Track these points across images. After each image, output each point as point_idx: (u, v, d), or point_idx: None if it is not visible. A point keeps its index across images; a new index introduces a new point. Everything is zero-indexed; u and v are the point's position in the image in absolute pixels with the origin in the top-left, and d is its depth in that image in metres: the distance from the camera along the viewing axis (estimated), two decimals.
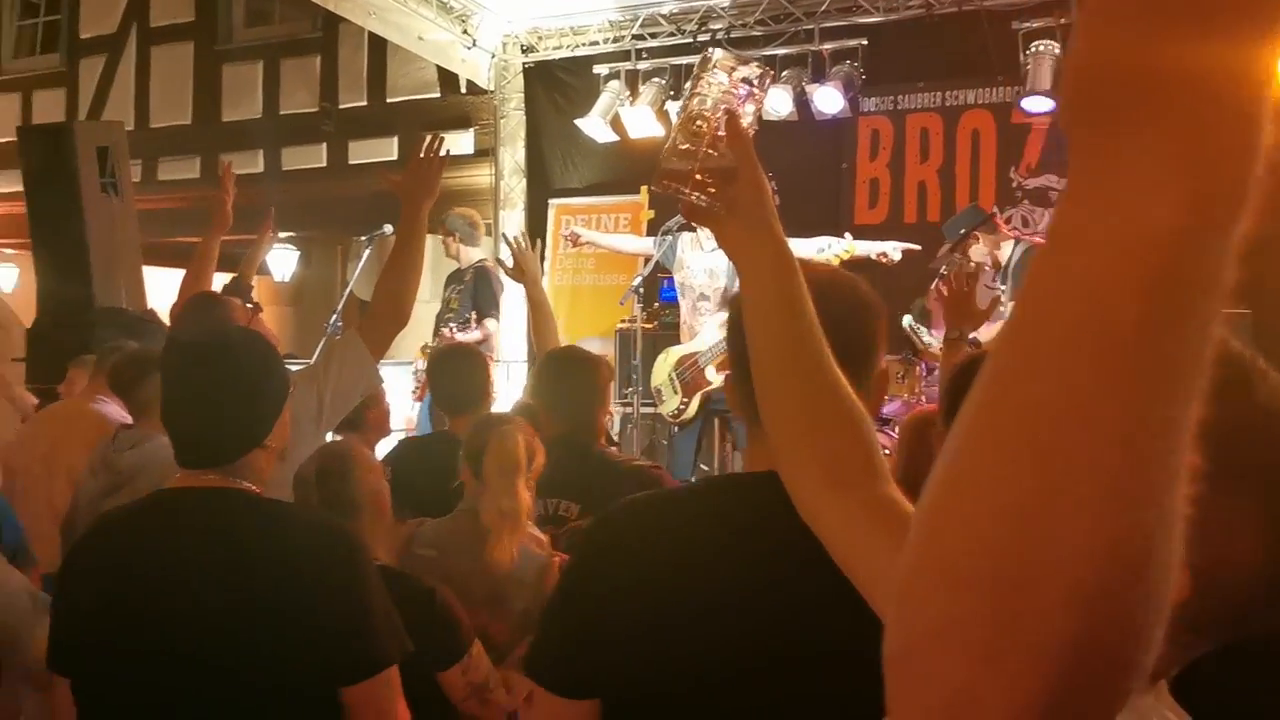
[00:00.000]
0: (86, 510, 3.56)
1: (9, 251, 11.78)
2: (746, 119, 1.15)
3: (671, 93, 7.29)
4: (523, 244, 3.71)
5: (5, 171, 10.90)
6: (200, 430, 1.88)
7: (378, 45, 9.29)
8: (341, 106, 9.75)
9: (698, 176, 1.13)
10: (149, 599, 1.78)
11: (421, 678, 2.02)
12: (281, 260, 10.91)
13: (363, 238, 6.15)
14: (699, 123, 1.14)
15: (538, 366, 3.10)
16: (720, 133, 1.12)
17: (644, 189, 7.82)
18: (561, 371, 2.97)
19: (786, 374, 1.13)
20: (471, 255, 6.40)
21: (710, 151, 1.12)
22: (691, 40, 7.46)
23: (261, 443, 1.91)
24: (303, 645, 1.75)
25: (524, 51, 8.34)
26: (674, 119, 1.21)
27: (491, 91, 8.54)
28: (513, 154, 8.52)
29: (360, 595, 1.81)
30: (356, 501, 2.27)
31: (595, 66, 7.85)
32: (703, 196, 1.13)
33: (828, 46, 7.05)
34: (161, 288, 6.92)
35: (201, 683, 1.76)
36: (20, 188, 10.96)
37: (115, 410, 4.19)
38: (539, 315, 3.60)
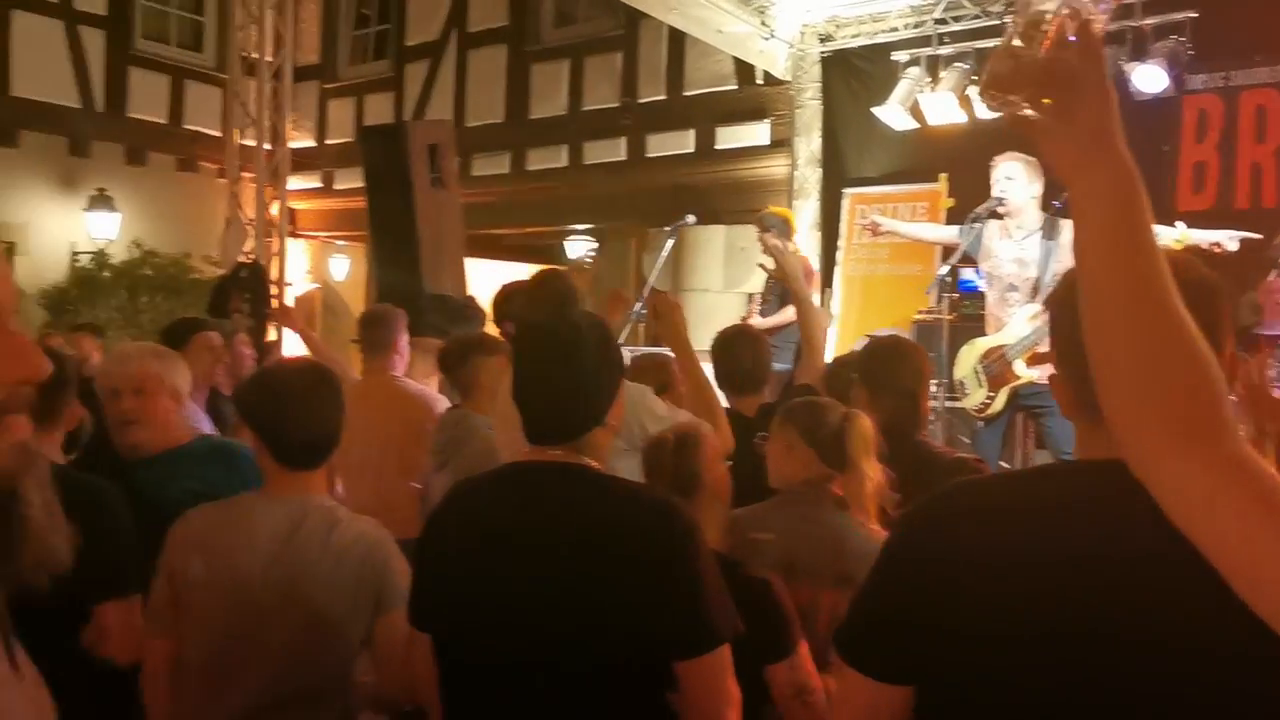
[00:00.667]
0: (430, 484, 3.91)
1: (341, 244, 12.90)
2: (1099, 23, 1.01)
3: (974, 78, 7.06)
4: (781, 246, 3.85)
5: (343, 170, 11.99)
6: (549, 409, 2.00)
7: (677, 39, 9.52)
8: (641, 101, 10.06)
9: (1032, 83, 1.01)
10: (501, 566, 1.92)
11: (746, 669, 2.05)
12: (580, 250, 11.41)
13: (666, 228, 6.34)
14: (1041, 25, 1.01)
15: (865, 353, 3.11)
16: (1064, 36, 1.00)
17: (942, 177, 7.63)
18: (890, 359, 2.98)
19: (1126, 313, 1.01)
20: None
21: (1049, 56, 1.00)
22: (998, 22, 7.18)
23: (603, 421, 2.02)
24: (641, 617, 1.83)
25: (821, 41, 8.30)
26: (1009, 27, 1.04)
27: (788, 82, 8.57)
28: (808, 144, 8.51)
29: (696, 572, 1.87)
30: (701, 479, 2.37)
31: (894, 53, 7.71)
32: (1036, 107, 1.01)
33: (1150, 21, 6.60)
34: (476, 277, 7.42)
35: (546, 647, 1.88)
36: (353, 185, 12.05)
37: (416, 387, 4.56)
38: (803, 310, 3.77)
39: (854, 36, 8.14)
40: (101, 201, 10.59)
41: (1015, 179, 5.09)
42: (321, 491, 2.44)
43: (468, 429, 3.89)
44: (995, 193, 5.17)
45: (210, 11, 12.08)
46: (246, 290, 7.57)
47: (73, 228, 10.68)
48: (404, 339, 4.74)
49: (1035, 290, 5.09)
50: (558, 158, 10.67)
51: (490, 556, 1.94)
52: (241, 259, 9.15)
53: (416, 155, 6.43)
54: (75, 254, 10.69)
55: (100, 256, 10.44)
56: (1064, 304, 1.25)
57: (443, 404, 4.37)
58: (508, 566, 1.92)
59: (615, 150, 10.29)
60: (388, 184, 6.63)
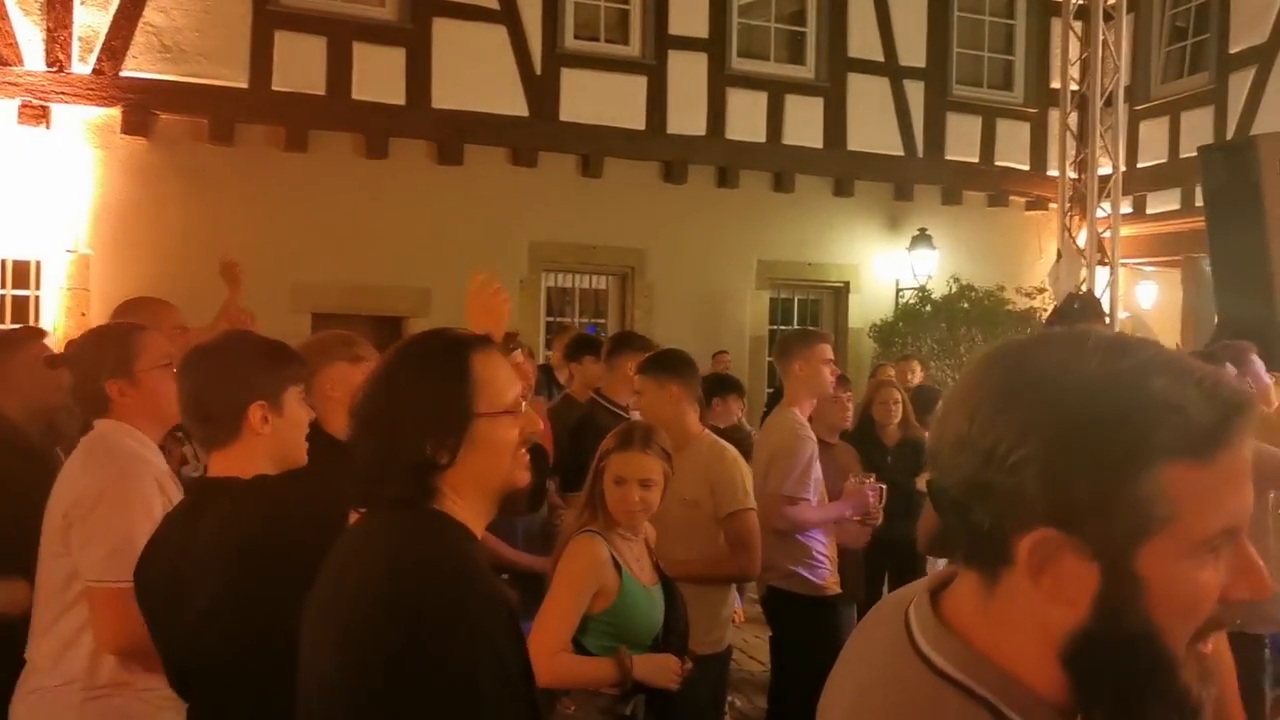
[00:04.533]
0: None
1: (1149, 269, 12.40)
2: None
3: None
4: None
5: (1156, 193, 11.55)
6: None
7: None
8: None
9: None
10: None
11: None
12: None
13: None
14: None
15: None
16: None
17: None
18: None
19: None
20: None
21: None
22: None
23: None
24: None
25: None
26: None
27: None
28: None
29: None
30: None
31: None
32: None
33: None
34: None
35: None
36: (1167, 208, 11.57)
37: None
38: None
39: None
40: (922, 240, 11.44)
41: None
42: None
43: None
44: None
45: (1019, 50, 12.43)
46: (1079, 320, 7.61)
47: (897, 266, 11.69)
48: (1259, 367, 4.53)
49: None
50: None
51: None
52: (1070, 290, 9.31)
53: (1268, 171, 5.94)
54: (900, 290, 11.70)
55: (922, 292, 11.29)
56: None
57: None
58: None
59: None
60: (1232, 204, 6.21)
